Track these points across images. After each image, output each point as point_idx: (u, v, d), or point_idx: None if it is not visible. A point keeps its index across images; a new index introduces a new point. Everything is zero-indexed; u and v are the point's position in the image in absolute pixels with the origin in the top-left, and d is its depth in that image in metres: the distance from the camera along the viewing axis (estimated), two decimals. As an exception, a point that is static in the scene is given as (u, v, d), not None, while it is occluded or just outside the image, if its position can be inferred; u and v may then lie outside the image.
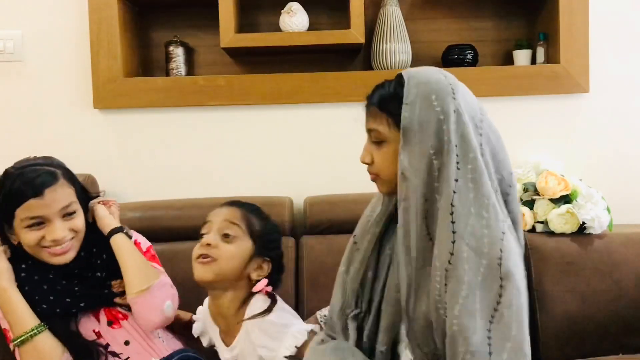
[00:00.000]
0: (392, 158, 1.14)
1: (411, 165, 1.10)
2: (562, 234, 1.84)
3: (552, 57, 2.09)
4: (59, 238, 1.32)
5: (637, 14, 2.10)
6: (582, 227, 1.83)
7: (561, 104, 2.09)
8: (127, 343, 1.40)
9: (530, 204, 1.88)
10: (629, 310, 1.77)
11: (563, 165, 1.99)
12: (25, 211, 1.30)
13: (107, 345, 1.38)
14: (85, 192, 1.46)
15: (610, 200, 1.89)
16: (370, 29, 2.09)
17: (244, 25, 2.14)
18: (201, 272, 1.28)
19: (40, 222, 1.32)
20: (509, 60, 2.15)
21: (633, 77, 2.11)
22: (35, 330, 1.31)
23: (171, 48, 2.11)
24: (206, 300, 1.44)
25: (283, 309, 1.35)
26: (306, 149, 2.11)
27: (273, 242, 1.38)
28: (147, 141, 2.11)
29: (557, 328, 1.74)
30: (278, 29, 2.06)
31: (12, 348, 1.35)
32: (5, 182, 1.32)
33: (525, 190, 1.90)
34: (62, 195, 1.34)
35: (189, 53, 2.15)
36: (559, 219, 1.83)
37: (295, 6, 2.04)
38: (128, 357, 1.39)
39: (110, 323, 1.41)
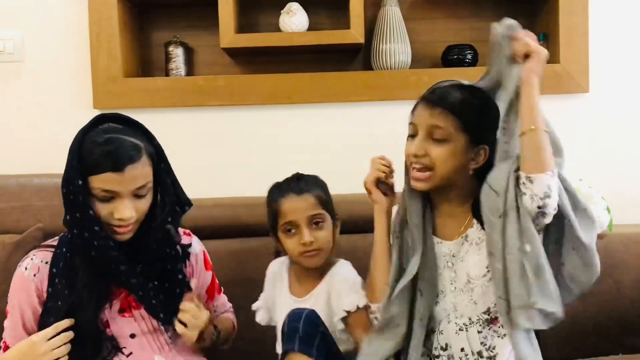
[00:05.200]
0: (451, 156, 1.28)
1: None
2: (562, 234, 1.84)
3: (552, 57, 2.08)
4: (126, 217, 1.24)
5: (637, 14, 2.10)
6: (582, 227, 1.83)
7: (561, 104, 2.09)
8: (132, 336, 1.32)
9: (530, 204, 1.88)
10: (629, 310, 1.77)
11: (563, 165, 1.99)
12: (100, 182, 1.21)
13: (113, 337, 1.30)
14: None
15: (610, 200, 1.88)
16: (370, 29, 2.09)
17: (244, 25, 2.14)
18: (312, 263, 1.43)
19: (111, 197, 1.23)
20: (509, 60, 2.15)
21: (633, 77, 2.11)
22: None
23: (171, 48, 2.11)
24: (276, 262, 1.57)
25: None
26: (306, 149, 2.11)
27: (331, 200, 1.49)
28: (147, 141, 2.11)
29: (557, 328, 1.72)
30: (278, 29, 2.06)
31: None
32: (86, 146, 1.23)
33: (525, 190, 1.90)
34: (141, 174, 1.25)
35: (189, 53, 2.15)
36: (559, 219, 1.83)
37: (295, 6, 2.04)
38: (131, 353, 1.30)
39: (122, 311, 1.32)
